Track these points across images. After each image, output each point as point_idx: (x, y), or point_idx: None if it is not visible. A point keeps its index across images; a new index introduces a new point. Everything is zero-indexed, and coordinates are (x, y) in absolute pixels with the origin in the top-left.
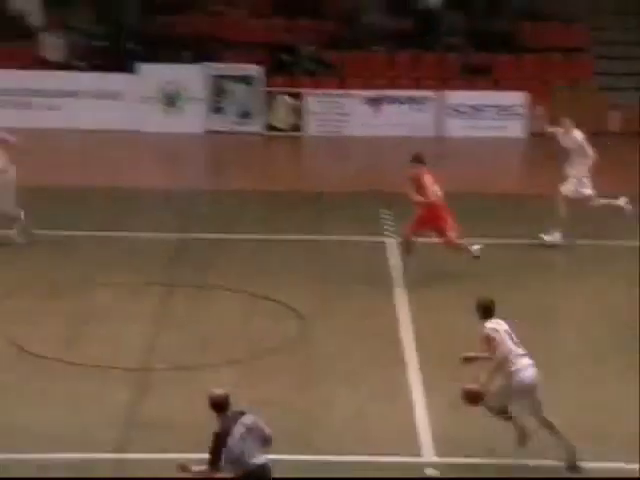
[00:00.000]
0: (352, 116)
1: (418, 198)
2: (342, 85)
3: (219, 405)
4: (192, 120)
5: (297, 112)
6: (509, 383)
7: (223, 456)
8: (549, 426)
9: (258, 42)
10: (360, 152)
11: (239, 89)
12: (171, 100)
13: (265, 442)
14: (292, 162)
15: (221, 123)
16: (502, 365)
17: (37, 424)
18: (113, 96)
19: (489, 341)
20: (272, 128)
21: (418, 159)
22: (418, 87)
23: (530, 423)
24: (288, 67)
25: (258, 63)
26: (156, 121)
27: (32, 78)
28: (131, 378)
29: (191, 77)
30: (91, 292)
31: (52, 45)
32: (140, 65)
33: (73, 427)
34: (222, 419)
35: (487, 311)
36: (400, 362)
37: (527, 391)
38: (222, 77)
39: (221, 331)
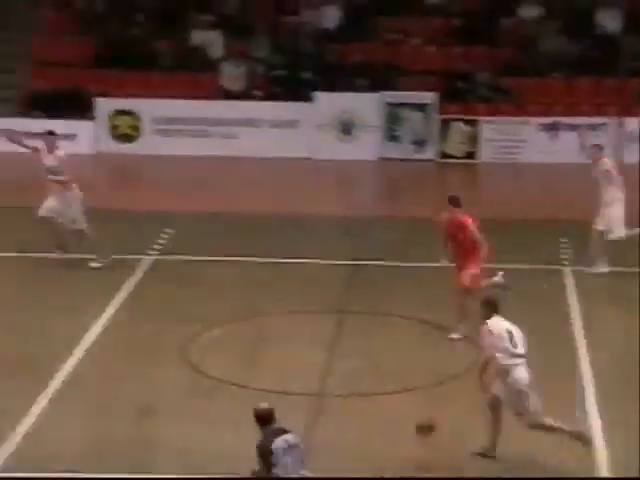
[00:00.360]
0: (528, 143)
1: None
2: (519, 112)
3: (263, 419)
4: (366, 147)
5: (472, 139)
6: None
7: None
8: (543, 428)
9: (433, 70)
10: (536, 179)
11: (414, 116)
12: (346, 128)
13: (302, 464)
14: (466, 189)
15: (395, 150)
16: (488, 364)
17: (215, 446)
18: (290, 124)
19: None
20: (446, 155)
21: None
22: (599, 114)
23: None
24: (463, 94)
25: (433, 90)
26: (331, 148)
27: (212, 107)
28: (307, 404)
29: (366, 105)
30: (268, 318)
31: (232, 75)
32: (316, 94)
33: (250, 450)
34: (265, 433)
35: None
36: (580, 392)
37: (521, 392)
38: (397, 105)
39: (395, 358)
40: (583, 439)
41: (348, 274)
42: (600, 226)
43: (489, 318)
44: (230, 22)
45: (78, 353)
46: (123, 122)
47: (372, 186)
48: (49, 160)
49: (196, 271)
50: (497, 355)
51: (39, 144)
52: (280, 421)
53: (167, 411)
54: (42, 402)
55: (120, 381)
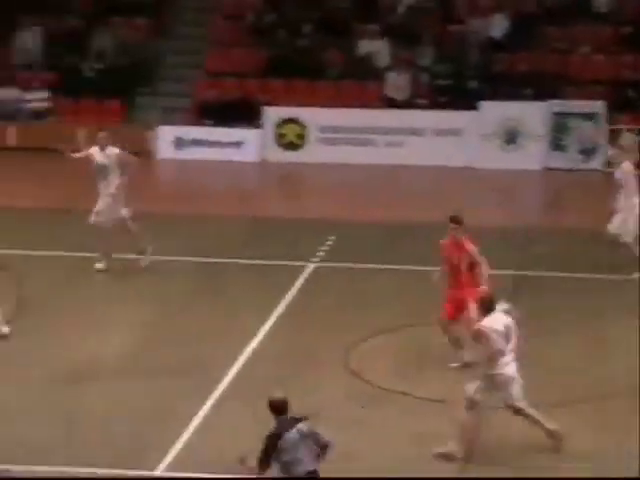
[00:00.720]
0: None
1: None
2: None
3: (277, 408)
4: (531, 157)
5: None
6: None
7: (273, 458)
8: (524, 414)
9: (602, 78)
10: None
11: (582, 126)
12: (511, 137)
13: (322, 451)
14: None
15: (561, 160)
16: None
17: (376, 453)
18: (453, 133)
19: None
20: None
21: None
22: None
23: None
24: (633, 103)
25: (601, 99)
26: (494, 158)
27: (376, 116)
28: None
29: (532, 114)
30: (429, 327)
31: (396, 84)
32: (481, 102)
33: (415, 460)
34: (278, 422)
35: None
36: None
37: (509, 383)
38: (564, 114)
39: (563, 370)
40: (556, 437)
41: (510, 284)
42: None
43: (486, 316)
44: (396, 31)
45: (243, 358)
46: (289, 130)
47: (536, 196)
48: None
49: (358, 279)
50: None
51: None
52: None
53: (328, 417)
54: (207, 404)
55: (281, 386)
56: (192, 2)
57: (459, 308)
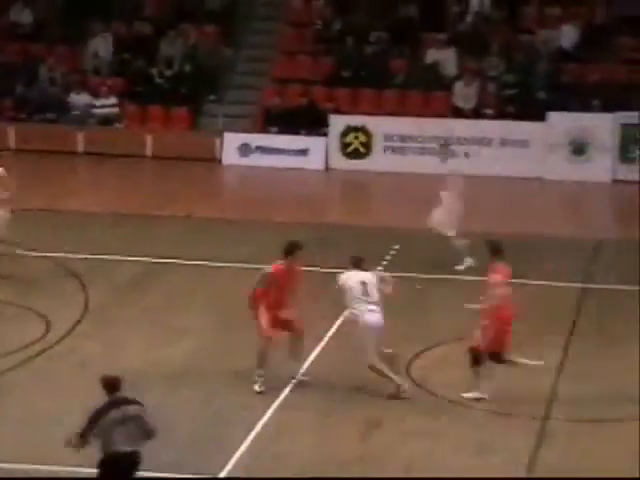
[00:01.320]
0: None
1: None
2: None
3: (109, 386)
4: (599, 169)
5: None
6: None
7: (95, 432)
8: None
9: None
10: None
11: None
12: (579, 148)
13: (147, 436)
14: None
15: (630, 172)
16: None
17: (436, 464)
18: (520, 144)
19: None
20: None
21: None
22: None
23: None
24: None
25: None
26: (562, 169)
27: (443, 126)
28: (532, 427)
29: (601, 125)
30: None
31: (464, 93)
32: (549, 113)
33: (477, 470)
34: (108, 399)
35: (356, 264)
36: None
37: (374, 330)
38: (633, 125)
39: (626, 384)
40: (401, 391)
41: (578, 297)
42: None
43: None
44: (464, 40)
45: (305, 365)
46: (355, 139)
47: (604, 208)
48: None
49: (420, 288)
50: (353, 303)
51: None
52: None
53: (392, 427)
54: (269, 411)
55: (344, 393)
56: (260, 10)
57: (283, 327)
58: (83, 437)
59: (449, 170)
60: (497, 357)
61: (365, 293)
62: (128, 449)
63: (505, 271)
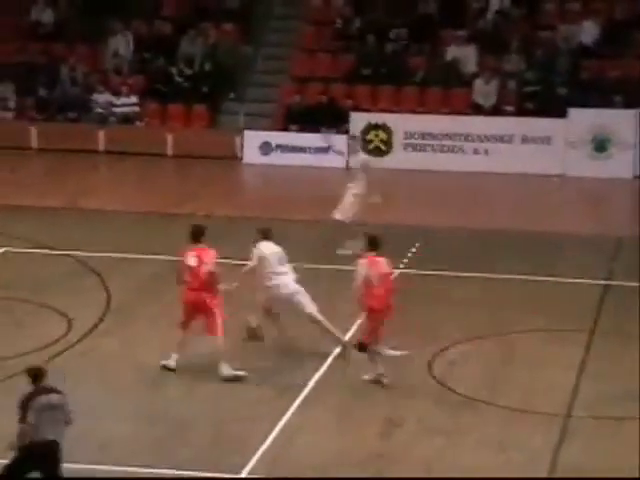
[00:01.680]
0: None
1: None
2: None
3: (34, 375)
4: (621, 165)
5: None
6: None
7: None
8: (316, 322)
9: None
10: None
11: None
12: (600, 145)
13: (66, 424)
14: None
15: None
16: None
17: (458, 461)
18: (542, 140)
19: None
20: None
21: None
22: None
23: None
24: None
25: None
26: (583, 166)
27: (463, 123)
28: (553, 424)
29: (622, 122)
30: (514, 336)
31: (484, 90)
32: (570, 110)
33: (499, 468)
34: (34, 388)
35: (265, 236)
36: None
37: (286, 300)
38: None
39: None
40: (346, 346)
41: (599, 294)
42: None
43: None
44: (484, 37)
45: (327, 363)
46: (375, 136)
47: (625, 205)
48: None
49: (442, 286)
50: (266, 274)
51: None
52: (527, 441)
53: (413, 425)
54: (290, 410)
55: (366, 392)
56: (279, 9)
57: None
58: (20, 422)
59: (359, 163)
60: (362, 346)
61: (281, 263)
62: (51, 437)
63: (377, 263)
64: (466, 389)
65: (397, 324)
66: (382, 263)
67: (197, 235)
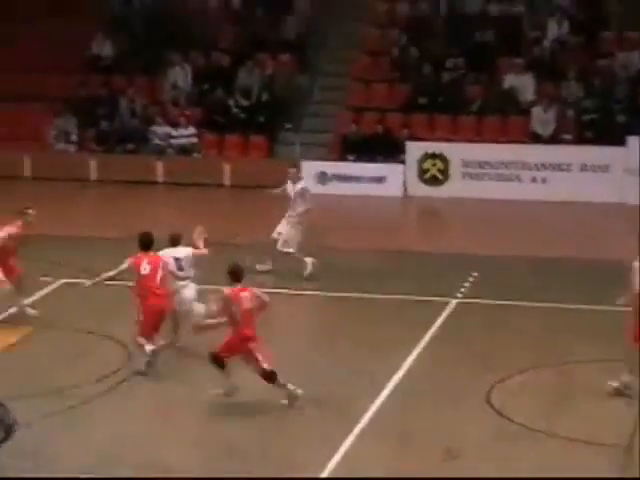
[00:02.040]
0: None
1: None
2: None
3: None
4: None
5: None
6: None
7: None
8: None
9: None
10: None
11: None
12: None
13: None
14: None
15: None
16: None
17: None
18: (600, 169)
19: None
20: None
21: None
22: None
23: None
24: None
25: None
26: None
27: (521, 151)
28: (614, 455)
29: None
30: (574, 366)
31: (542, 119)
32: (629, 137)
33: None
34: None
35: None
36: None
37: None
38: None
39: None
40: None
41: None
42: None
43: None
44: (542, 65)
45: (385, 393)
46: (432, 165)
47: None
48: None
49: (500, 316)
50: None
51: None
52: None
53: (472, 454)
54: (349, 438)
55: (424, 422)
56: (336, 39)
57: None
58: None
59: (298, 192)
60: (219, 360)
61: (180, 268)
62: None
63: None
64: (525, 419)
65: (456, 353)
66: (246, 297)
67: (148, 244)
